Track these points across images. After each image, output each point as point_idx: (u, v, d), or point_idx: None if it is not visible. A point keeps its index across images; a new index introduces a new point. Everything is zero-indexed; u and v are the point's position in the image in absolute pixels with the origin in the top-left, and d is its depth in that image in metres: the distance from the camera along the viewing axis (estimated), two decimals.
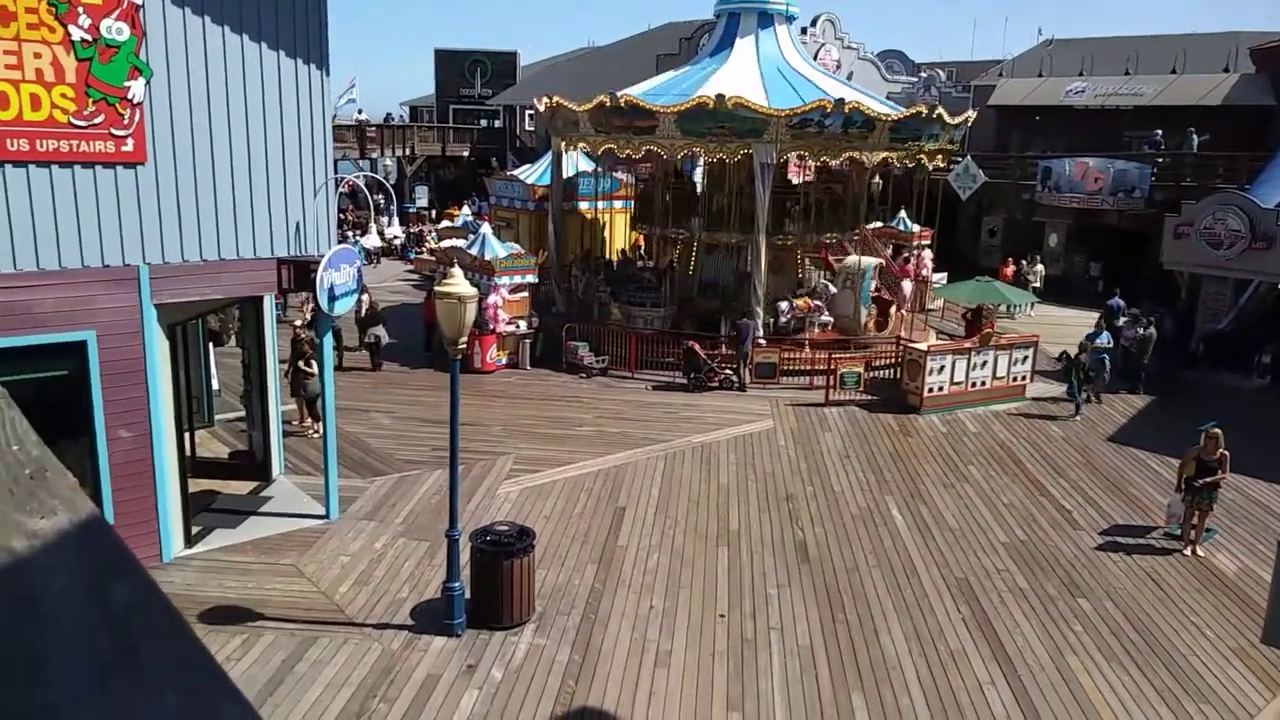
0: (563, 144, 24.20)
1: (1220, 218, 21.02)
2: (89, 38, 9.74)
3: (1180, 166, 29.84)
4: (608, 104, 21.23)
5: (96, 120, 9.96)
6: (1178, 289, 23.32)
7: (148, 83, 10.24)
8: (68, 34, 9.61)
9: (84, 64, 9.77)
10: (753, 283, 21.23)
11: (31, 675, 0.80)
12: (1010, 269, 28.90)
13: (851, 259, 22.96)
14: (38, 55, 9.49)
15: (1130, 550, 12.60)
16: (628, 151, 22.47)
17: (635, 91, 22.17)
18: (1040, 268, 29.65)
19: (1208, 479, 12.43)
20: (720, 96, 19.86)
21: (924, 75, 41.00)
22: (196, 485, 12.49)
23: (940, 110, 22.10)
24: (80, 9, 9.63)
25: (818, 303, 22.31)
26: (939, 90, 38.74)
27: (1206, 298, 23.10)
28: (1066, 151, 31.94)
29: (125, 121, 10.16)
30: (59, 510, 1.03)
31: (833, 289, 22.70)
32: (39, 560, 0.93)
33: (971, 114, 24.25)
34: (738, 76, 21.64)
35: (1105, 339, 19.72)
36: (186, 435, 12.22)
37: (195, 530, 11.76)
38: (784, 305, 21.87)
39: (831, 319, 22.36)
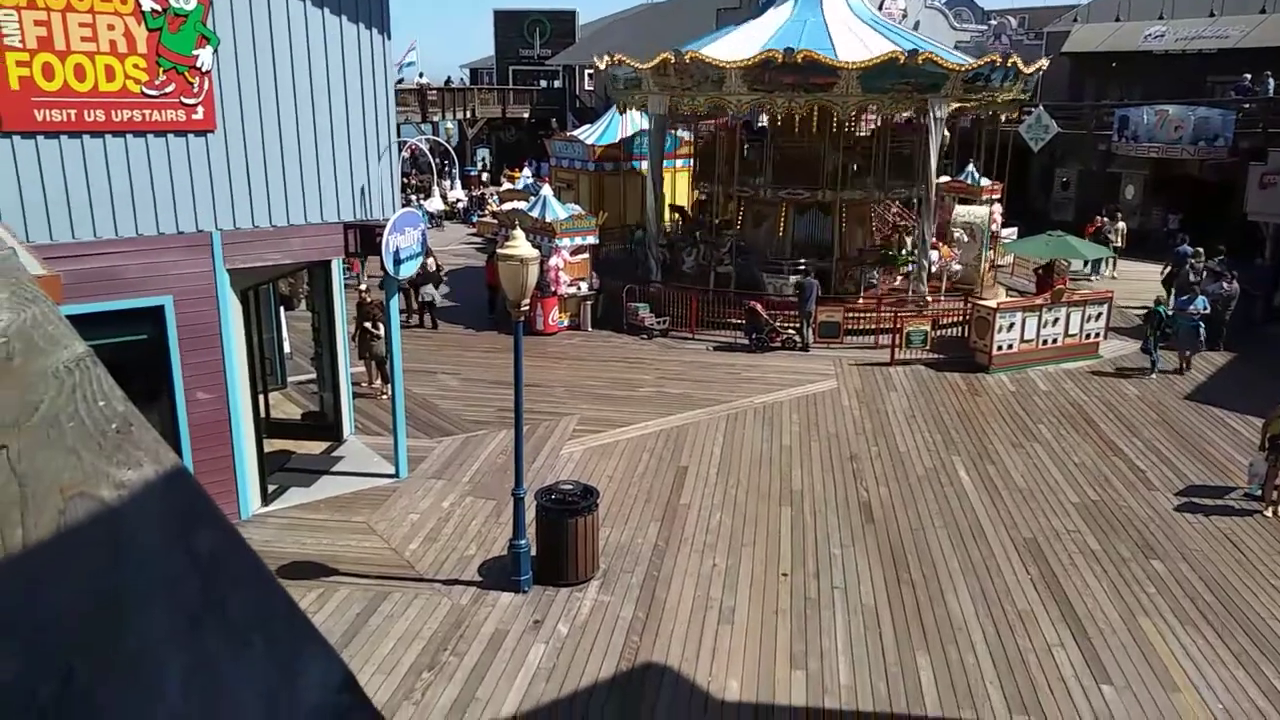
0: (622, 104, 24.00)
1: None
2: (158, 7, 9.93)
3: (1266, 112, 28.48)
4: (672, 60, 20.76)
5: (168, 89, 10.18)
6: (1262, 240, 22.39)
7: (215, 51, 10.42)
8: (138, 4, 9.80)
9: (154, 34, 9.97)
10: (922, 233, 21.04)
11: (124, 621, 0.83)
12: (1093, 227, 27.48)
13: (963, 209, 22.80)
14: (111, 27, 9.71)
15: (1208, 511, 12.27)
16: (691, 109, 22.21)
17: (699, 47, 21.70)
18: (1121, 224, 28.13)
19: None
20: (789, 50, 19.46)
21: (994, 23, 39.68)
22: (271, 445, 12.86)
23: (1015, 60, 21.39)
24: None
25: (957, 251, 22.23)
26: (1010, 38, 37.47)
27: None
28: (1145, 99, 30.72)
29: (195, 90, 10.36)
30: (144, 462, 1.06)
31: (966, 238, 22.54)
32: (127, 509, 0.97)
33: (1044, 61, 23.36)
34: (803, 30, 21.13)
35: (1201, 303, 18.32)
36: (261, 397, 12.56)
37: (271, 489, 12.13)
38: (934, 255, 21.65)
39: (962, 268, 22.52)
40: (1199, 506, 12.41)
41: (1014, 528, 11.72)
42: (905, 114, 21.72)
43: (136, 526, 0.95)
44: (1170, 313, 18.35)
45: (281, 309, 17.04)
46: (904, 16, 36.90)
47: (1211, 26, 32.49)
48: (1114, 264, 25.92)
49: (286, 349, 17.02)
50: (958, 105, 21.36)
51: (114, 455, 1.03)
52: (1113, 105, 31.98)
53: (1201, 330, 18.14)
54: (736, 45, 21.24)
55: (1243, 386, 16.91)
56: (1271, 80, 28.58)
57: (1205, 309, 18.17)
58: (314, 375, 15.40)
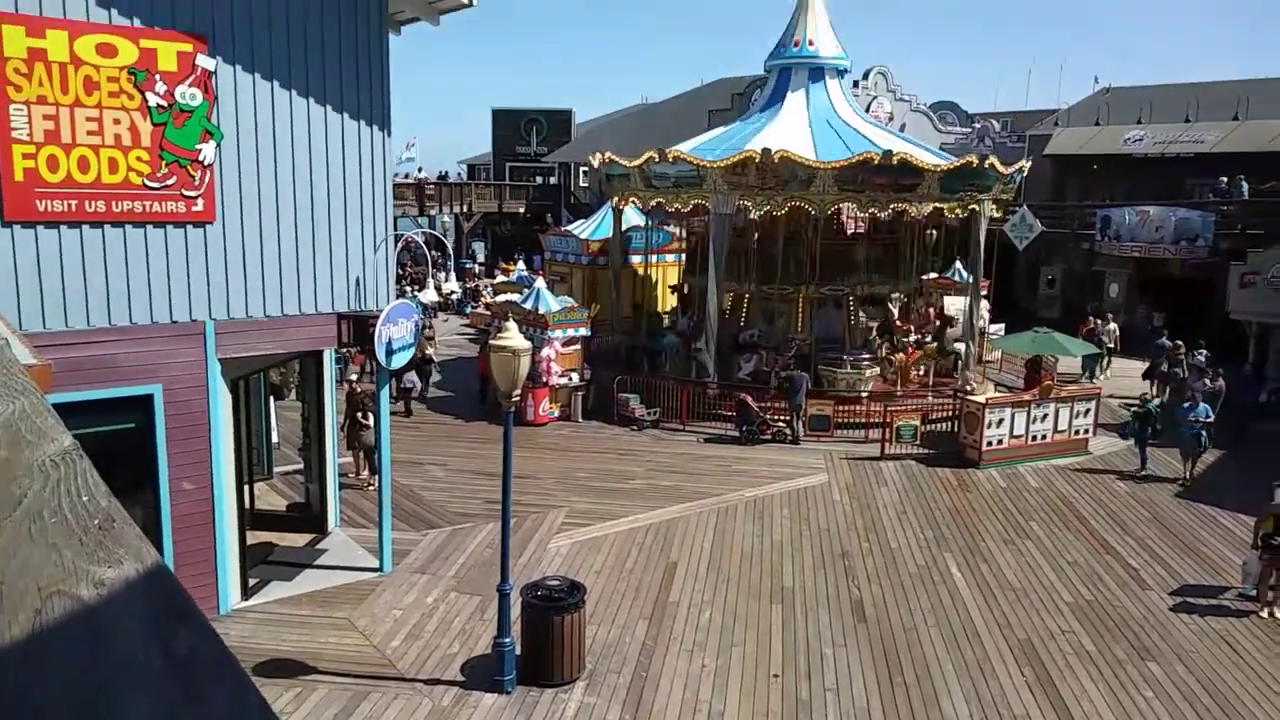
0: (615, 199, 24.58)
1: None
2: (164, 103, 10.19)
3: (1245, 214, 29.19)
4: (656, 159, 21.59)
5: (169, 182, 10.37)
6: (1246, 338, 22.70)
7: (218, 145, 10.65)
8: (145, 100, 10.06)
9: (159, 128, 10.21)
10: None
11: (104, 719, 0.83)
12: (1086, 328, 26.35)
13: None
14: (117, 121, 9.95)
15: (1203, 611, 12.12)
16: (676, 205, 22.75)
17: (685, 147, 22.44)
18: (1113, 326, 27.19)
19: None
20: (766, 150, 20.04)
21: (978, 125, 40.86)
22: (254, 537, 12.70)
23: (992, 159, 21.94)
24: (157, 76, 10.09)
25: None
26: (993, 140, 38.54)
27: (1276, 348, 22.42)
28: (1126, 200, 31.47)
29: (196, 182, 10.55)
30: (125, 559, 1.07)
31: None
32: (106, 608, 0.97)
33: (1025, 163, 24.00)
34: (787, 131, 21.81)
35: (1203, 411, 17.59)
36: (246, 488, 12.44)
37: (252, 582, 11.91)
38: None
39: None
40: (1194, 606, 12.26)
41: (1008, 628, 11.54)
42: (881, 214, 22.18)
43: (115, 625, 0.94)
44: (1157, 410, 18.38)
45: (271, 398, 17.02)
46: (891, 119, 38.01)
47: (1188, 131, 33.52)
48: (1109, 364, 26.01)
49: (275, 439, 16.94)
50: (934, 205, 21.74)
51: (95, 552, 1.03)
52: (1095, 205, 32.73)
53: (1204, 439, 17.49)
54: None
55: (1233, 484, 16.90)
56: (1245, 184, 29.46)
57: (1208, 416, 17.60)
58: (301, 465, 15.29)
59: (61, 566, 1.00)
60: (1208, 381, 20.15)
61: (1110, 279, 32.03)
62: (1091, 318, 26.93)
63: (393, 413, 20.32)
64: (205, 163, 10.59)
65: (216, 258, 10.83)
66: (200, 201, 10.62)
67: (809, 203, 20.69)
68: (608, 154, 23.71)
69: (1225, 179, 30.32)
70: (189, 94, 10.37)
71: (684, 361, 22.59)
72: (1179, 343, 23.75)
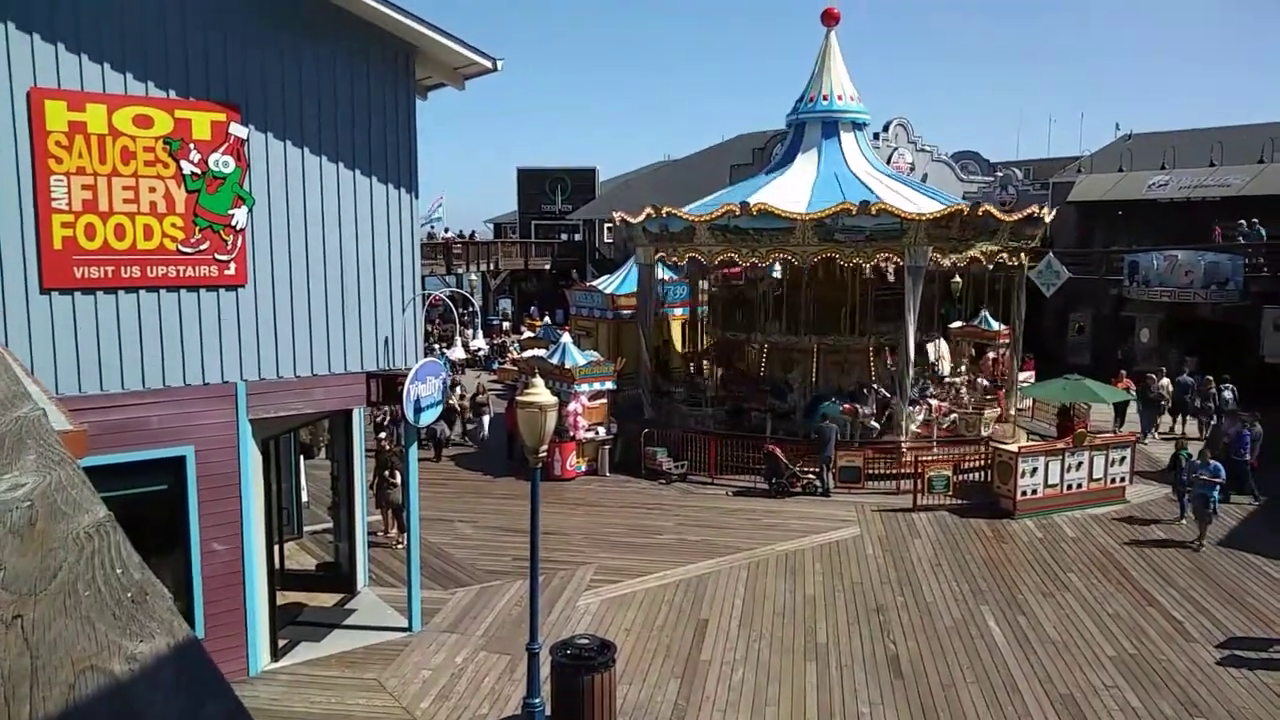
0: (648, 253, 24.84)
1: None
2: (198, 171, 10.44)
3: (1275, 256, 28.89)
4: (653, 214, 22.43)
5: (202, 247, 10.58)
6: None
7: (250, 210, 10.87)
8: (179, 169, 10.32)
9: (193, 195, 10.44)
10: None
11: None
12: (1126, 381, 24.92)
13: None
14: (152, 190, 10.20)
15: (1253, 665, 11.75)
16: (692, 256, 23.16)
17: (698, 203, 22.97)
18: (1166, 381, 24.92)
19: None
20: (744, 203, 20.55)
21: (1000, 174, 40.95)
22: (284, 598, 12.69)
23: (987, 207, 21.53)
24: (192, 145, 10.36)
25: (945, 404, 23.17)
26: (1016, 188, 38.57)
27: None
28: (1153, 245, 31.29)
29: (229, 247, 10.76)
30: (157, 634, 1.07)
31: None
32: (137, 684, 0.97)
33: (1042, 210, 23.59)
34: (787, 184, 22.17)
35: (1214, 469, 16.50)
36: (276, 548, 12.46)
37: (282, 643, 11.88)
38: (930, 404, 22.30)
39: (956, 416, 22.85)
40: (1242, 660, 11.90)
41: (1049, 682, 11.24)
42: (883, 263, 22.28)
43: (146, 701, 0.94)
44: (1188, 457, 17.89)
45: (301, 457, 17.13)
46: (912, 169, 38.19)
47: (1213, 175, 33.38)
48: (1158, 423, 25.08)
49: (304, 498, 17.01)
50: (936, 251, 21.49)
51: (128, 626, 1.04)
52: (1122, 251, 32.55)
53: (1214, 500, 16.25)
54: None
55: (1275, 531, 16.50)
56: (1261, 228, 29.32)
57: (1219, 475, 16.43)
58: (331, 525, 15.31)
59: (95, 641, 1.01)
60: (1247, 426, 19.76)
61: (1141, 324, 31.71)
62: (1148, 375, 25.23)
63: (422, 459, 20.54)
64: (237, 227, 10.80)
65: (248, 320, 10.99)
66: (232, 265, 10.82)
67: (790, 253, 21.11)
68: (620, 214, 24.52)
69: (1243, 221, 30.17)
70: (222, 161, 10.63)
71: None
72: (1209, 377, 23.82)
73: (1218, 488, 16.30)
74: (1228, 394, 23.58)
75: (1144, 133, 41.22)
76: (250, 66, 10.70)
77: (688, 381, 24.88)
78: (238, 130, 10.69)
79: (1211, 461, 16.69)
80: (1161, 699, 10.85)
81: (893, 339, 22.62)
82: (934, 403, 22.33)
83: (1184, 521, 17.37)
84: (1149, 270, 30.18)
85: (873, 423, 21.18)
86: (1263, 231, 29.39)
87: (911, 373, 21.23)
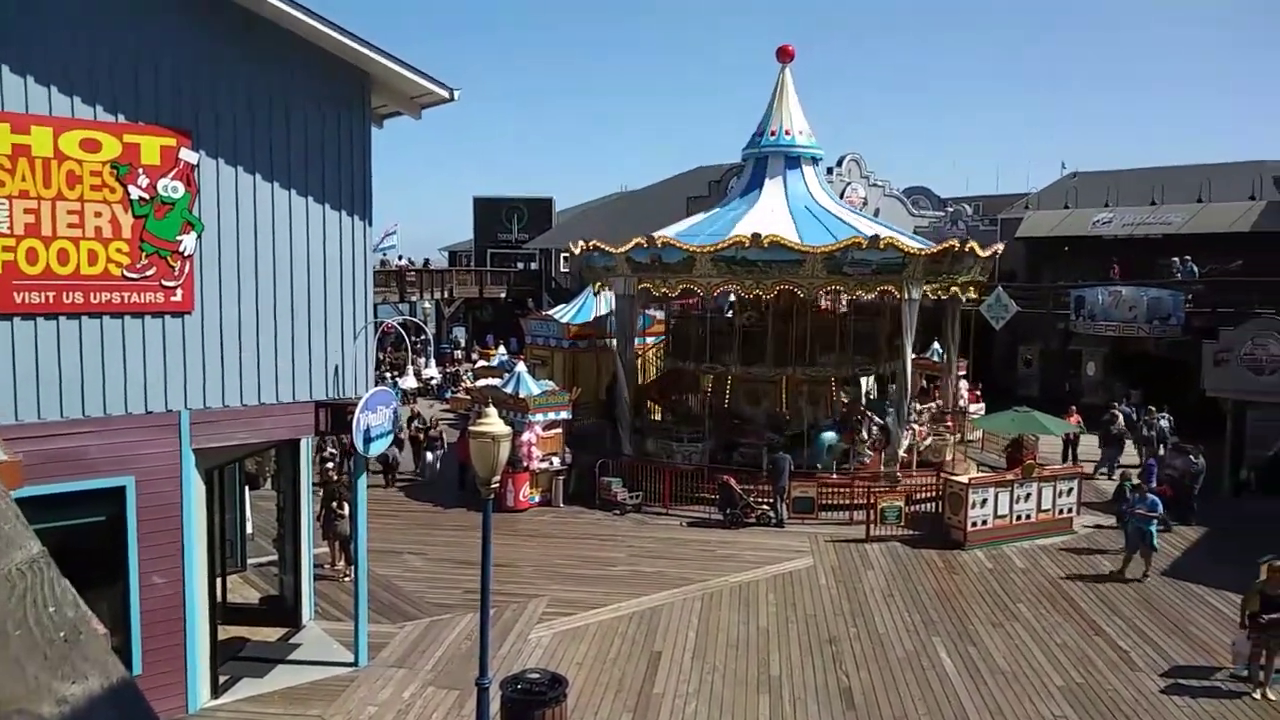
0: (596, 285, 24.81)
1: (1261, 343, 20.85)
2: (146, 196, 10.25)
3: (1214, 292, 29.82)
4: (643, 244, 21.67)
5: (148, 273, 10.37)
6: (1223, 415, 22.89)
7: (199, 236, 10.69)
8: (127, 193, 10.13)
9: (139, 220, 10.25)
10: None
11: None
12: (1076, 416, 25.27)
13: None
14: (98, 214, 9.99)
15: (1195, 693, 11.94)
16: (664, 290, 23.02)
17: (670, 233, 22.72)
18: (1122, 418, 24.97)
19: (1274, 615, 11.86)
20: (756, 235, 20.35)
21: (950, 210, 41.75)
22: (226, 632, 12.36)
23: (973, 244, 22.47)
24: (140, 170, 10.18)
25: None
26: (965, 224, 39.34)
27: (1253, 423, 22.62)
28: (1098, 281, 32.09)
29: (175, 273, 10.56)
30: (90, 675, 1.02)
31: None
32: None
33: (999, 246, 24.51)
34: (768, 215, 22.22)
35: (1151, 503, 16.48)
36: (218, 581, 12.16)
37: (223, 679, 11.55)
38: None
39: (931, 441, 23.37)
40: (1185, 688, 12.09)
41: (999, 713, 11.31)
42: (868, 295, 22.55)
43: None
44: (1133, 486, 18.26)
45: (246, 488, 16.77)
46: (864, 204, 38.79)
47: (1155, 214, 34.39)
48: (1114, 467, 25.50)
49: (249, 529, 16.63)
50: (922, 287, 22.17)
51: (59, 667, 0.99)
52: (1068, 286, 33.30)
53: (1152, 534, 16.34)
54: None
55: (1218, 561, 16.83)
56: (1194, 266, 30.39)
57: (1156, 509, 16.50)
58: (276, 557, 14.98)
59: (24, 683, 0.96)
60: (1192, 459, 20.24)
61: (1087, 358, 32.42)
62: (1114, 406, 25.66)
63: (371, 485, 20.25)
64: (185, 253, 10.61)
65: (194, 347, 10.77)
66: (179, 292, 10.61)
67: (797, 285, 21.08)
68: (592, 241, 23.80)
69: (1177, 260, 31.27)
70: (171, 187, 10.45)
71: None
72: (1150, 408, 24.77)
73: (1155, 521, 16.47)
74: (1164, 423, 24.35)
75: (1088, 171, 42.38)
76: (202, 91, 10.57)
77: (671, 416, 24.59)
78: (188, 155, 10.53)
79: (1149, 495, 16.88)
80: None
81: (865, 369, 23.67)
82: (916, 428, 22.72)
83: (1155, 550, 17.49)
84: (1095, 305, 30.94)
85: (868, 450, 21.51)
86: (1195, 269, 30.53)
87: (908, 400, 21.94)
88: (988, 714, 11.29)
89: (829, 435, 21.73)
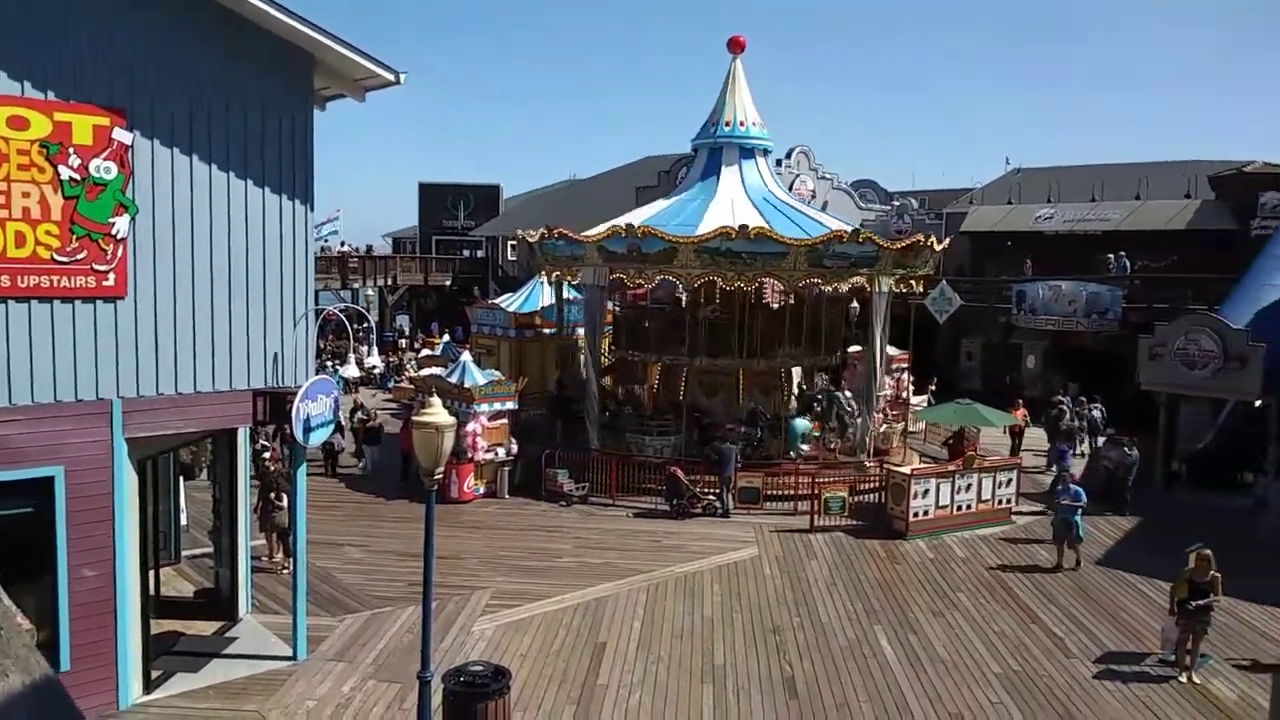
0: (548, 274, 24.47)
1: (1193, 338, 21.39)
2: (77, 177, 9.90)
3: (1149, 287, 30.61)
4: (621, 233, 21.10)
5: (79, 256, 10.02)
6: (1156, 408, 23.49)
7: (132, 219, 10.36)
8: (57, 174, 9.77)
9: (70, 202, 9.89)
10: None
11: None
12: (1022, 410, 25.64)
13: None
14: (26, 194, 9.62)
15: (1126, 678, 12.25)
16: (639, 280, 22.90)
17: (636, 220, 22.27)
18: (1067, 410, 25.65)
19: (1200, 601, 12.21)
20: (744, 227, 20.41)
21: (897, 203, 42.25)
22: (159, 626, 12.05)
23: (932, 238, 22.95)
24: (71, 150, 9.83)
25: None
26: (912, 217, 39.85)
27: (1185, 417, 23.25)
28: (1039, 275, 32.72)
29: (108, 257, 10.23)
30: (11, 672, 0.94)
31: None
32: None
33: (948, 241, 24.94)
34: (732, 207, 22.29)
35: (1075, 493, 16.84)
36: (151, 573, 11.85)
37: (155, 675, 11.25)
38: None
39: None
40: (1117, 674, 12.39)
41: (939, 701, 11.48)
42: (829, 288, 22.77)
43: None
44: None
45: (181, 478, 16.36)
46: (813, 196, 39.08)
47: (1094, 210, 35.19)
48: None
49: (183, 521, 16.24)
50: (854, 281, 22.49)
51: None
52: (1010, 281, 33.91)
53: (1078, 524, 16.62)
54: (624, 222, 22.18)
55: (1149, 550, 17.28)
56: (1126, 261, 31.25)
57: (1080, 500, 16.73)
58: (211, 549, 14.64)
59: None
60: (1126, 450, 20.73)
61: (1027, 351, 33.05)
62: (1061, 402, 26.22)
63: (313, 473, 19.93)
64: (118, 236, 10.28)
65: (127, 333, 10.44)
66: (111, 276, 10.28)
67: (778, 277, 21.44)
68: (558, 229, 22.93)
69: (1112, 256, 32.13)
70: (104, 167, 10.11)
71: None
72: (1082, 398, 25.94)
73: (1079, 511, 16.75)
74: (1096, 413, 25.18)
75: (1032, 167, 43.15)
76: (138, 70, 10.22)
77: (636, 408, 24.38)
78: (122, 135, 10.18)
79: (1073, 486, 17.21)
80: (1043, 713, 11.20)
81: (821, 361, 24.29)
82: (877, 415, 23.45)
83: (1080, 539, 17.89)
84: (1035, 299, 31.55)
85: (834, 438, 22.10)
86: (1128, 264, 31.43)
87: (877, 390, 22.92)
88: (927, 702, 11.45)
89: (802, 423, 22.50)
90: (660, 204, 24.34)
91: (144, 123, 10.32)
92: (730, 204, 22.48)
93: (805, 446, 22.37)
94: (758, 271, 21.09)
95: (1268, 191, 30.54)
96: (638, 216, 23.06)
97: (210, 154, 10.87)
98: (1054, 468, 22.49)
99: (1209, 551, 12.41)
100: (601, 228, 21.97)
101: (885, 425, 24.39)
